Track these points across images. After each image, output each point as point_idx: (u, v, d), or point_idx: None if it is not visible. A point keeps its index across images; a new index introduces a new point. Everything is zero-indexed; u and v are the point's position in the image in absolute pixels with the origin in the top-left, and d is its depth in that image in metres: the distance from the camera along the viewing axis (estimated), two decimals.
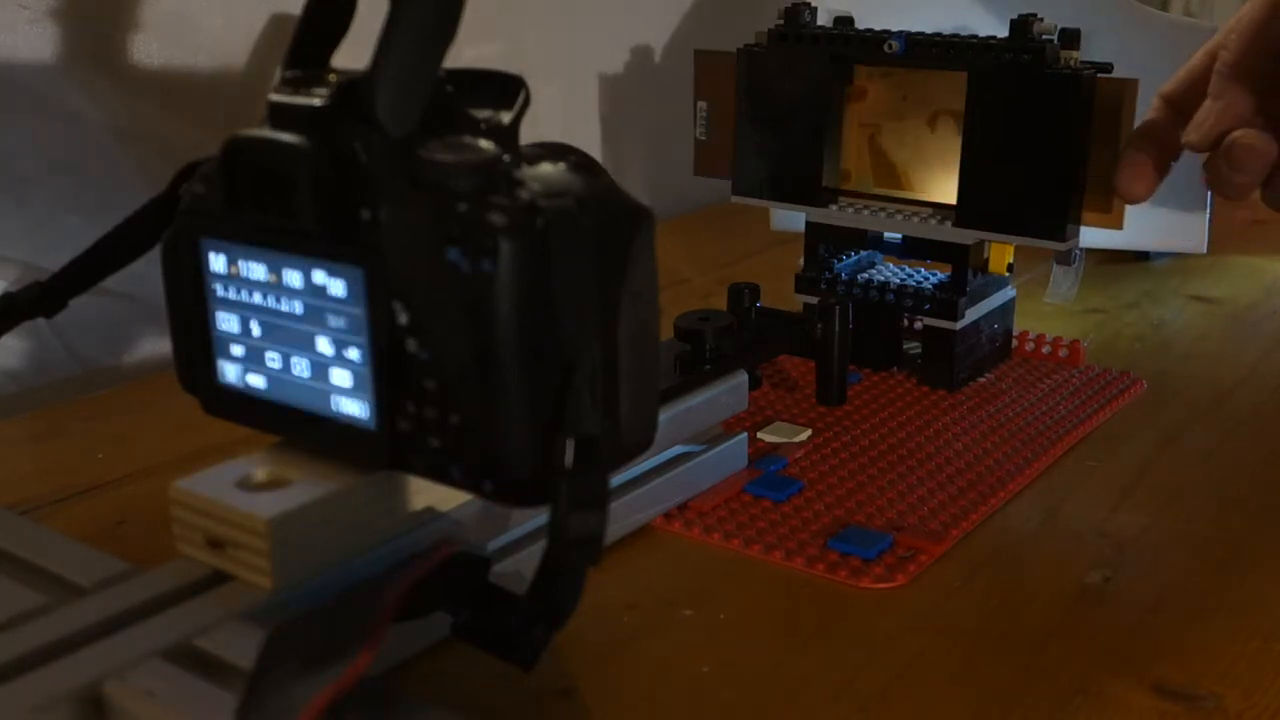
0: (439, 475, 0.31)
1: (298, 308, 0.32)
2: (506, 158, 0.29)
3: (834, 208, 0.55)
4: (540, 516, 0.36)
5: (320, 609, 0.30)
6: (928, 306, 0.54)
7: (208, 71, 0.61)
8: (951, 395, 0.54)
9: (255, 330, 0.33)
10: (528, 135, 0.31)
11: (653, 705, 0.33)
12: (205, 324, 0.34)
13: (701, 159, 0.59)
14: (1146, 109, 0.52)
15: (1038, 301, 0.62)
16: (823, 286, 0.56)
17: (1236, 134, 0.48)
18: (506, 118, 0.31)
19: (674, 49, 0.87)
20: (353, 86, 0.30)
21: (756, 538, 0.41)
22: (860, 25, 0.54)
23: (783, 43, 0.54)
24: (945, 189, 0.54)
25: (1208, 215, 0.67)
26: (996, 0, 0.55)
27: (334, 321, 0.31)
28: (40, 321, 0.42)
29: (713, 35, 0.66)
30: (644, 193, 0.71)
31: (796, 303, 0.57)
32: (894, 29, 0.52)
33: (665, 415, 0.40)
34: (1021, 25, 0.49)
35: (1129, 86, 0.49)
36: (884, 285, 0.55)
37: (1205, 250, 0.68)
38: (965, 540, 0.42)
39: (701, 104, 0.58)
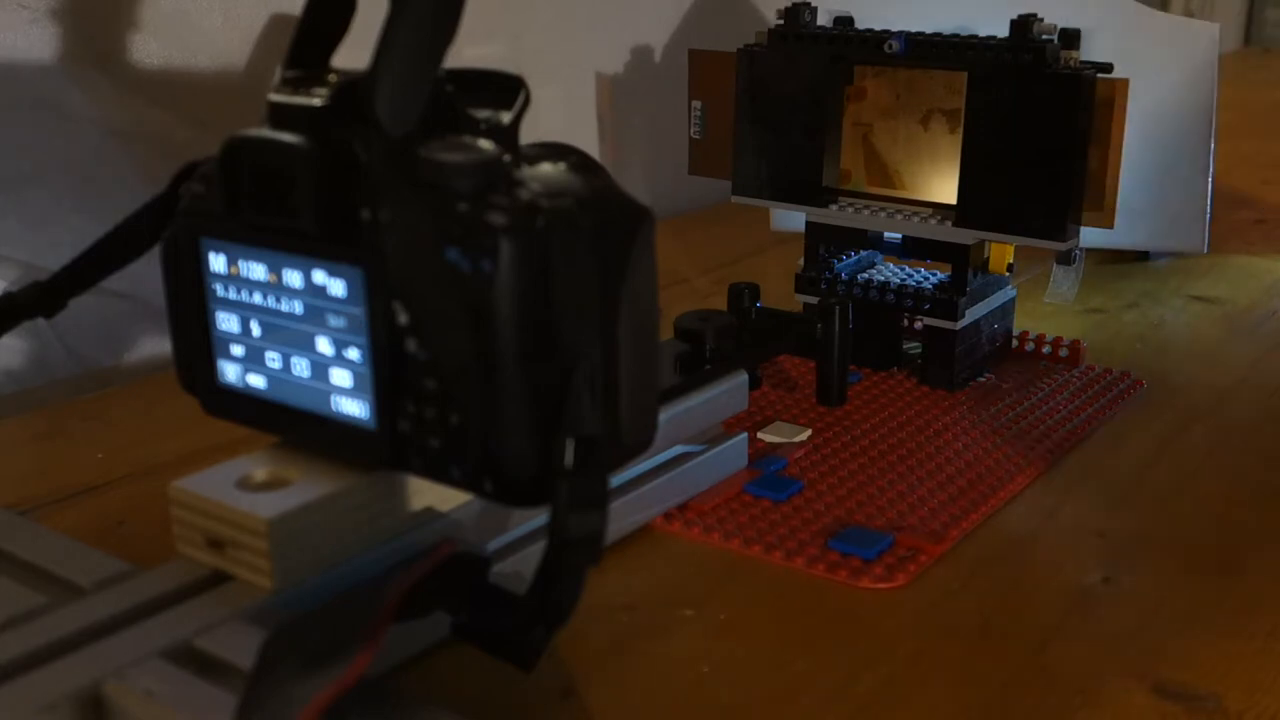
0: (439, 475, 0.31)
1: (298, 308, 0.32)
2: (506, 158, 0.29)
3: (834, 208, 0.55)
4: (540, 516, 0.36)
5: (320, 609, 0.30)
6: (928, 306, 0.54)
7: (208, 71, 0.61)
8: (951, 395, 0.54)
9: (255, 330, 0.33)
10: (528, 135, 0.31)
11: (653, 705, 0.33)
12: (205, 324, 0.34)
13: (696, 158, 0.59)
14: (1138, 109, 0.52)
15: (1038, 301, 0.62)
16: (823, 286, 0.56)
17: None
18: (506, 118, 0.31)
19: (674, 49, 0.87)
20: (353, 86, 0.30)
21: (756, 538, 0.41)
22: (860, 25, 0.54)
23: (783, 43, 0.54)
24: (938, 188, 0.54)
25: (1208, 215, 0.67)
26: (996, 0, 0.55)
27: (334, 321, 0.31)
28: (40, 321, 0.42)
29: (713, 35, 0.67)
30: (644, 193, 0.71)
31: (796, 303, 0.57)
32: (894, 29, 0.52)
33: (665, 415, 0.40)
34: (1021, 25, 0.49)
35: (1119, 86, 0.49)
36: (884, 285, 0.55)
37: (1205, 250, 0.68)
38: (965, 540, 0.42)
39: (696, 103, 0.58)
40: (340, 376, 0.32)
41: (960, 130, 0.51)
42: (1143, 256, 0.74)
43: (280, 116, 0.31)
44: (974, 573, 0.40)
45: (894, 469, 0.47)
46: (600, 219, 0.30)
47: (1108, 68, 0.49)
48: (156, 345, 0.61)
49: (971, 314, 0.54)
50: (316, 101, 0.30)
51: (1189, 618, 0.37)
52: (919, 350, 0.55)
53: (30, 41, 0.55)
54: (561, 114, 0.82)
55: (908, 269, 0.57)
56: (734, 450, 0.46)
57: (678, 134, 0.62)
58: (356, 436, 0.32)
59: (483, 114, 0.31)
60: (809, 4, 0.55)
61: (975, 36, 0.51)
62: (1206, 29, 0.65)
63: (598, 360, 0.30)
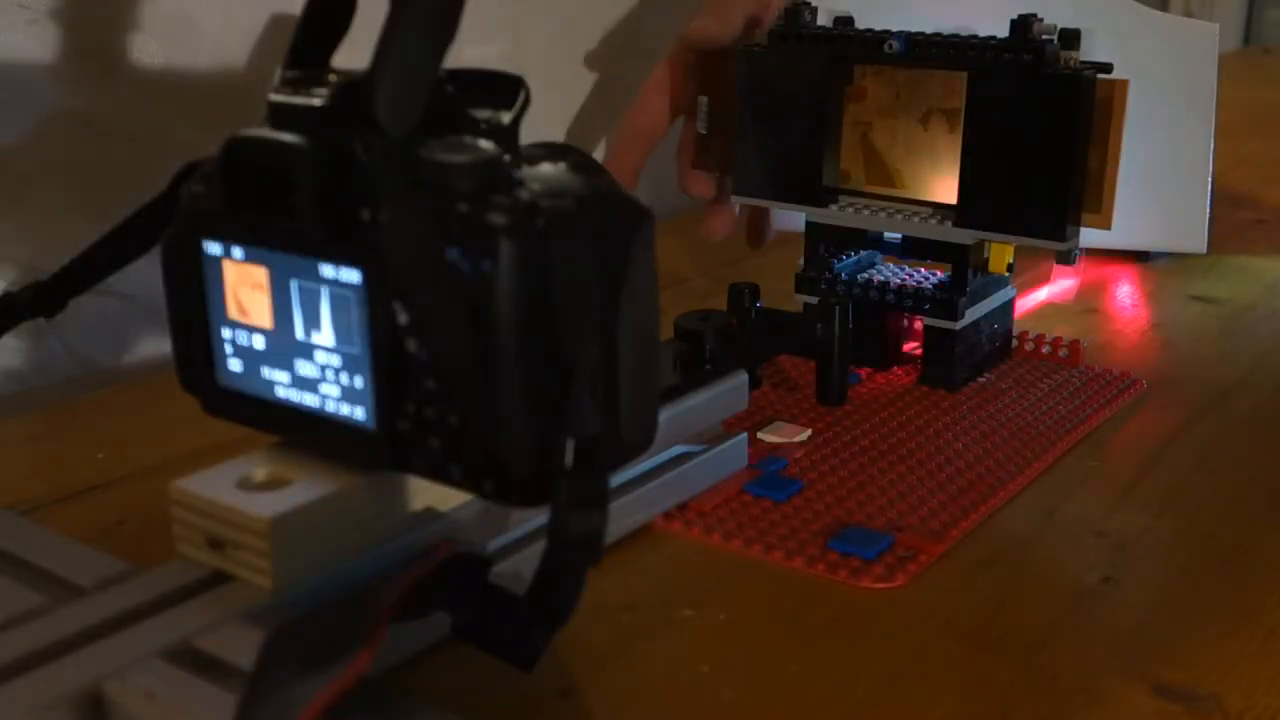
0: (439, 475, 0.31)
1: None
2: (506, 158, 0.29)
3: (834, 207, 0.55)
4: (540, 516, 0.36)
5: (320, 609, 0.30)
6: (928, 306, 0.54)
7: (208, 71, 0.61)
8: (951, 395, 0.54)
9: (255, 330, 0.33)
10: (528, 135, 0.31)
11: (653, 705, 0.33)
12: (205, 324, 0.34)
13: (701, 153, 0.60)
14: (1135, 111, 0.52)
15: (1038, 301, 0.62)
16: (823, 286, 0.56)
17: None
18: (506, 118, 0.31)
19: None
20: (353, 86, 0.30)
21: (756, 538, 0.41)
22: (860, 25, 0.54)
23: (783, 43, 0.54)
24: (938, 188, 0.54)
25: (1208, 215, 0.67)
26: (996, 0, 0.55)
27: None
28: (40, 321, 0.42)
29: None
30: (644, 193, 0.71)
31: (796, 303, 0.57)
32: (894, 29, 0.52)
33: (665, 415, 0.40)
34: (1021, 25, 0.49)
35: (1119, 86, 0.49)
36: (884, 285, 0.55)
37: (1205, 250, 0.68)
38: (965, 540, 0.42)
39: (703, 99, 0.59)
40: (340, 377, 0.32)
41: (960, 130, 0.51)
42: (1143, 256, 0.74)
43: (280, 117, 0.31)
44: (974, 573, 0.40)
45: (894, 469, 0.47)
46: (600, 219, 0.30)
47: (1108, 68, 0.50)
48: (156, 345, 0.61)
49: (971, 314, 0.54)
50: (316, 101, 0.30)
51: (1189, 618, 0.37)
52: (919, 350, 0.55)
53: (30, 41, 0.55)
54: (561, 114, 0.82)
55: (908, 269, 0.57)
56: (734, 450, 0.46)
57: (677, 134, 0.62)
58: (356, 436, 0.32)
59: (483, 114, 0.31)
60: (809, 4, 0.55)
61: (975, 36, 0.51)
62: (1206, 29, 0.65)
63: (598, 360, 0.30)
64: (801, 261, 0.57)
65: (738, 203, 0.58)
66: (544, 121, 0.78)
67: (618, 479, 0.40)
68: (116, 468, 0.47)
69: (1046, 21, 0.50)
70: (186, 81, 0.60)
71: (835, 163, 0.55)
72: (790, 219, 0.64)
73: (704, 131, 0.59)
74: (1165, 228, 0.68)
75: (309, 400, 0.33)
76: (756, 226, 0.64)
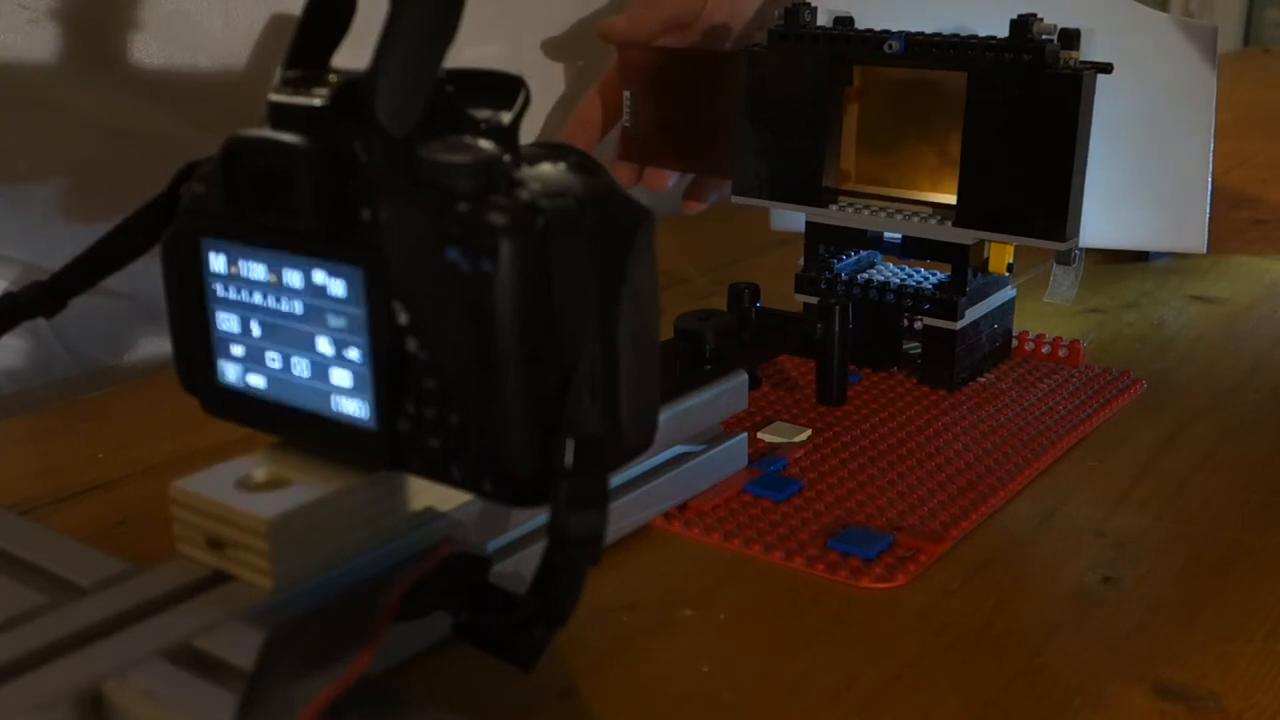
0: (439, 475, 0.31)
1: (298, 308, 0.32)
2: (506, 158, 0.29)
3: (834, 208, 0.55)
4: (540, 516, 0.36)
5: (320, 609, 0.30)
6: (928, 306, 0.54)
7: (208, 71, 0.61)
8: (951, 395, 0.54)
9: (255, 330, 0.33)
10: (528, 135, 0.31)
11: (653, 705, 0.33)
12: (205, 324, 0.34)
13: (626, 144, 0.65)
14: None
15: (1038, 301, 0.62)
16: (823, 286, 0.56)
17: None
18: (506, 118, 0.31)
19: None
20: (353, 86, 0.30)
21: (756, 538, 0.41)
22: (860, 25, 0.54)
23: (783, 43, 0.54)
24: (938, 188, 0.54)
25: (1208, 215, 0.67)
26: (996, 0, 0.55)
27: (334, 321, 0.31)
28: (40, 321, 0.42)
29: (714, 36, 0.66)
30: (644, 193, 0.71)
31: (796, 303, 0.57)
32: (894, 29, 0.52)
33: (665, 415, 0.40)
34: (1021, 25, 0.49)
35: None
36: (884, 285, 0.55)
37: (1205, 250, 0.68)
38: (965, 540, 0.42)
39: (626, 93, 0.61)
40: (340, 376, 0.32)
41: (960, 130, 0.51)
42: (1143, 256, 0.74)
43: (280, 116, 0.31)
44: (974, 573, 0.40)
45: (894, 469, 0.47)
46: (600, 219, 0.30)
47: (1108, 68, 0.49)
48: (156, 345, 0.61)
49: (971, 314, 0.54)
50: (316, 101, 0.30)
51: (1189, 618, 0.37)
52: (919, 350, 0.55)
53: (30, 41, 0.55)
54: (561, 114, 0.82)
55: (908, 269, 0.57)
56: (734, 450, 0.46)
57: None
58: (356, 436, 0.32)
59: (483, 114, 0.31)
60: (809, 4, 0.55)
61: (975, 36, 0.51)
62: (1206, 29, 0.65)
63: (598, 360, 0.30)
64: (801, 261, 0.57)
65: (738, 201, 0.58)
66: (543, 121, 0.78)
67: (618, 479, 0.40)
68: (116, 468, 0.47)
69: (1046, 21, 0.50)
70: (186, 81, 0.60)
71: (835, 163, 0.55)
72: (790, 219, 0.64)
73: (628, 124, 0.61)
74: (1165, 228, 0.68)
75: (309, 400, 0.33)
76: (696, 188, 0.71)
